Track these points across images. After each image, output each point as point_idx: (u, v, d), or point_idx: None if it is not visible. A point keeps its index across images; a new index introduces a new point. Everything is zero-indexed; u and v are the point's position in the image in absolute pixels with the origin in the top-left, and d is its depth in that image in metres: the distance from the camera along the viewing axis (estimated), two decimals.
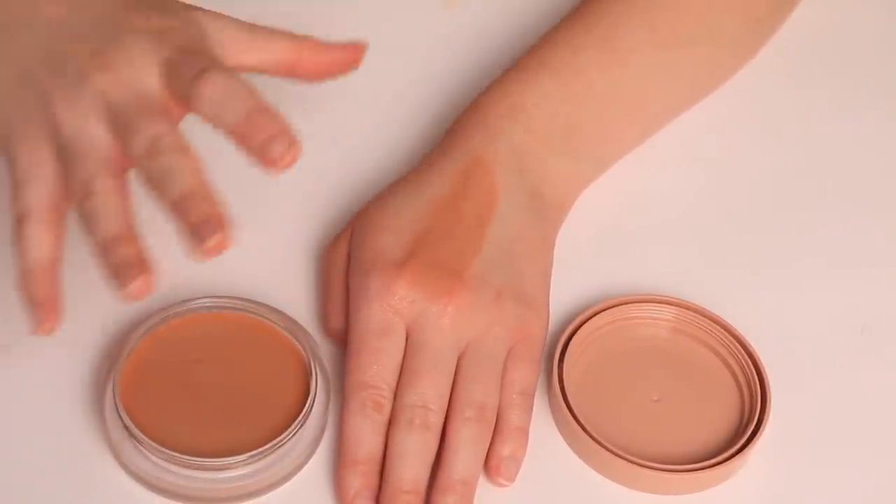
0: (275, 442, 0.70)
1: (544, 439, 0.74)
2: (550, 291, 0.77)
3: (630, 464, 0.72)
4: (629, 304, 0.77)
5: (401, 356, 0.73)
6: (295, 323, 0.74)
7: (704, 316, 0.77)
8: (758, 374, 0.75)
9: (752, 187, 0.86)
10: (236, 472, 0.70)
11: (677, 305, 0.77)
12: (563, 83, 0.80)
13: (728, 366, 0.76)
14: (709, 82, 0.86)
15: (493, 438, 0.72)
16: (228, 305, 0.74)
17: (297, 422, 0.71)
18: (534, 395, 0.74)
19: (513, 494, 0.72)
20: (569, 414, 0.73)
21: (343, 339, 0.75)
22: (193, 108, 0.66)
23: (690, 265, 0.82)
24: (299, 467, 0.72)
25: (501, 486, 0.72)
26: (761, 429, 0.73)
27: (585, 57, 0.81)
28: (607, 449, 0.72)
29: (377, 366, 0.72)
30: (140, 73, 0.67)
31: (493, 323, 0.74)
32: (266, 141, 0.64)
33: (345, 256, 0.77)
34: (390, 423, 0.71)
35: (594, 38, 0.81)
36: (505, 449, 0.72)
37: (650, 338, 0.77)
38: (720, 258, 0.82)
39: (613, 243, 0.82)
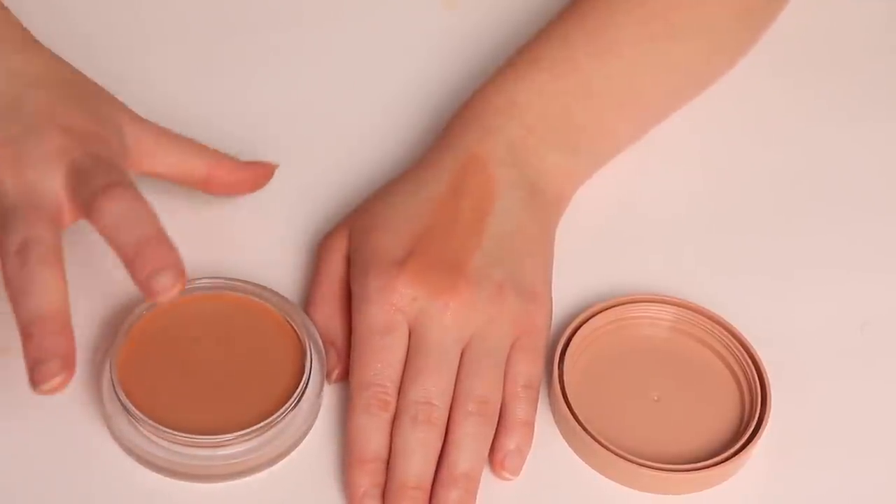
0: (267, 421, 0.70)
1: (544, 439, 0.74)
2: (551, 290, 0.77)
3: (630, 463, 0.72)
4: (629, 304, 0.77)
5: (404, 354, 0.73)
6: (291, 304, 0.75)
7: (704, 316, 0.77)
8: (758, 374, 0.75)
9: (752, 187, 0.86)
10: (229, 449, 0.70)
11: (677, 305, 0.77)
12: (557, 77, 0.80)
13: (728, 365, 0.76)
14: (704, 75, 0.86)
15: (497, 432, 0.72)
16: (226, 286, 0.75)
17: (290, 401, 0.71)
18: (538, 387, 0.74)
19: (512, 494, 0.72)
20: (569, 413, 0.73)
21: (322, 327, 0.76)
22: (91, 219, 0.67)
23: (690, 265, 0.81)
24: (293, 446, 0.72)
25: (506, 479, 0.72)
26: (761, 429, 0.73)
27: (579, 51, 0.81)
28: (607, 448, 0.72)
29: (380, 364, 0.72)
30: (43, 175, 0.68)
31: (496, 317, 0.73)
32: (150, 274, 0.65)
33: (339, 248, 0.77)
34: (395, 420, 0.71)
35: (587, 32, 0.81)
36: (510, 442, 0.72)
37: (650, 338, 0.77)
38: (720, 258, 0.82)
39: (613, 243, 0.82)
